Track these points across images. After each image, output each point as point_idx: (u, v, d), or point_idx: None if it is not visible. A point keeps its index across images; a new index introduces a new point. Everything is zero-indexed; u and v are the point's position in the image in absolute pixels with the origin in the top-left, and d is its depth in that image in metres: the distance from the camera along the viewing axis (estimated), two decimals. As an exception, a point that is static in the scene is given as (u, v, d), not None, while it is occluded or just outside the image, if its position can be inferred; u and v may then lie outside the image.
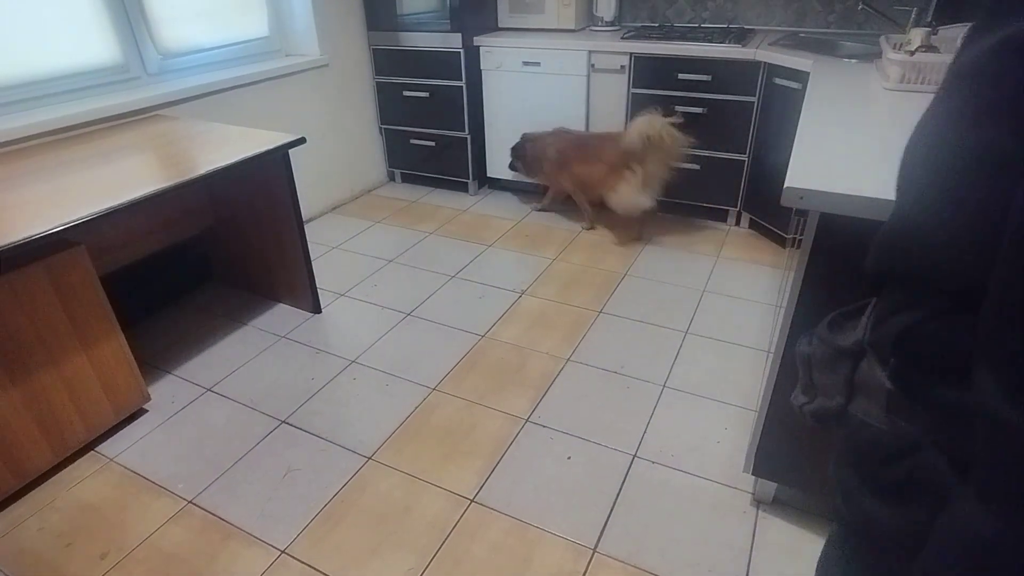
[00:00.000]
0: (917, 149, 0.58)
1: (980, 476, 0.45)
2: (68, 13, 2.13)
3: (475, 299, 2.45)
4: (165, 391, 1.97)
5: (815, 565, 1.39)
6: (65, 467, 1.68)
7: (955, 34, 1.74)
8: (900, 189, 0.60)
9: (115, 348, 1.72)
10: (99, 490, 1.62)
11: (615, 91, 2.91)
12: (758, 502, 1.54)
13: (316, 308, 2.37)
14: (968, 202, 0.49)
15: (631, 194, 2.70)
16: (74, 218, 1.44)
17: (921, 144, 0.57)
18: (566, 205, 3.22)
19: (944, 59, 1.68)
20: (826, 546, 0.77)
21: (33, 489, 1.62)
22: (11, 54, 2.01)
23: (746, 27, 3.03)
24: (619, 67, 2.85)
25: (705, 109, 2.76)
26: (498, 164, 3.34)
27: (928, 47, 1.81)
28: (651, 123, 2.55)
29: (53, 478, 1.65)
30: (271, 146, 1.95)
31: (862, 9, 2.72)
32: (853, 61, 2.25)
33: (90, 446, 1.74)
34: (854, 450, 0.63)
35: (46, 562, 1.43)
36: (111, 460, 1.71)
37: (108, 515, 1.55)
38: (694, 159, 2.90)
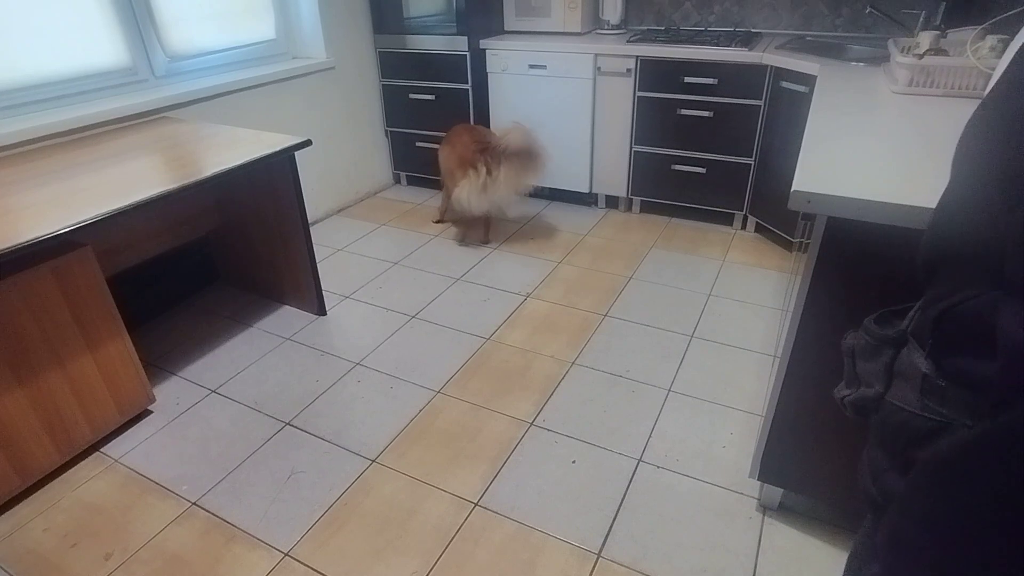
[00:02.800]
0: (967, 131, 0.62)
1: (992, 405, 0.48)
2: (77, 16, 2.15)
3: (480, 302, 2.45)
4: (170, 392, 1.97)
5: (821, 571, 1.38)
6: (70, 467, 1.69)
7: (964, 37, 1.73)
8: (952, 172, 0.64)
9: (120, 349, 1.73)
10: (104, 491, 1.62)
11: (621, 94, 2.91)
12: (764, 507, 1.53)
13: (321, 310, 2.38)
14: (1008, 177, 0.51)
15: (467, 194, 2.63)
16: (81, 219, 1.45)
17: (970, 125, 0.61)
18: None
19: (953, 62, 1.67)
20: (857, 538, 0.80)
21: (39, 489, 1.63)
22: (20, 57, 2.02)
23: (752, 31, 3.02)
24: (625, 70, 2.84)
25: (711, 113, 2.76)
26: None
27: (937, 50, 1.80)
28: (530, 134, 2.61)
29: (58, 478, 1.66)
30: (277, 148, 1.95)
31: (869, 12, 2.72)
32: (860, 65, 2.24)
33: (95, 447, 1.75)
34: (885, 433, 0.66)
35: (51, 562, 1.43)
36: (116, 461, 1.72)
37: (113, 516, 1.55)
38: (700, 163, 2.89)
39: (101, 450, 1.75)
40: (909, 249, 1.04)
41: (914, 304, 0.68)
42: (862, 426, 1.27)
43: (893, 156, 1.23)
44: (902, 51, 1.88)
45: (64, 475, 1.67)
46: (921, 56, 1.73)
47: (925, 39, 1.83)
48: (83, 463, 1.71)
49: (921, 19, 2.29)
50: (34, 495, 1.61)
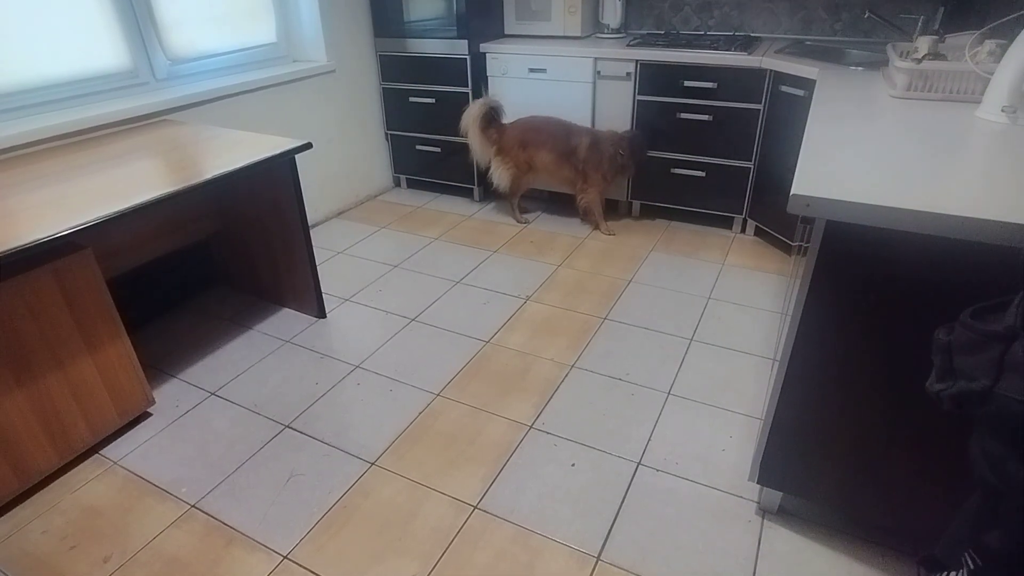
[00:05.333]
0: None
1: None
2: (78, 19, 2.15)
3: (480, 305, 2.45)
4: (169, 395, 1.97)
5: (820, 575, 1.38)
6: (69, 470, 1.69)
7: (962, 42, 1.74)
8: None
9: (120, 351, 1.73)
10: (103, 493, 1.62)
11: (621, 98, 2.92)
12: (763, 511, 1.53)
13: (321, 313, 2.38)
14: None
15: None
16: (82, 222, 1.45)
17: None
18: (563, 207, 3.22)
19: (951, 67, 1.68)
20: (966, 510, 0.85)
21: (37, 492, 1.62)
22: (22, 59, 2.03)
23: (752, 35, 3.03)
24: (625, 74, 2.85)
25: (711, 116, 2.76)
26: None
27: (935, 55, 1.81)
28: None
29: (57, 481, 1.66)
30: (278, 151, 1.96)
31: (868, 17, 2.72)
32: (859, 69, 2.25)
33: (94, 449, 1.75)
34: (1002, 425, 0.69)
35: (49, 565, 1.43)
36: (115, 463, 1.71)
37: (112, 518, 1.55)
38: (700, 166, 2.90)
39: (100, 452, 1.75)
40: (907, 252, 1.05)
41: (1004, 299, 0.70)
42: (864, 432, 1.27)
43: (892, 160, 1.23)
44: (901, 56, 1.88)
45: (63, 477, 1.67)
46: (919, 61, 1.74)
47: (923, 44, 1.84)
48: (82, 465, 1.71)
49: (919, 24, 2.30)
50: (33, 497, 1.61)
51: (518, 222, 3.19)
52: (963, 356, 0.73)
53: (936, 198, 1.03)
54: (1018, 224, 0.93)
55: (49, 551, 1.46)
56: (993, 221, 0.94)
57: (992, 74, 1.50)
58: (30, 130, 1.96)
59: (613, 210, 3.29)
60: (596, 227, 3.08)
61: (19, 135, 1.94)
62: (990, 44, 1.65)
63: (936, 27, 2.30)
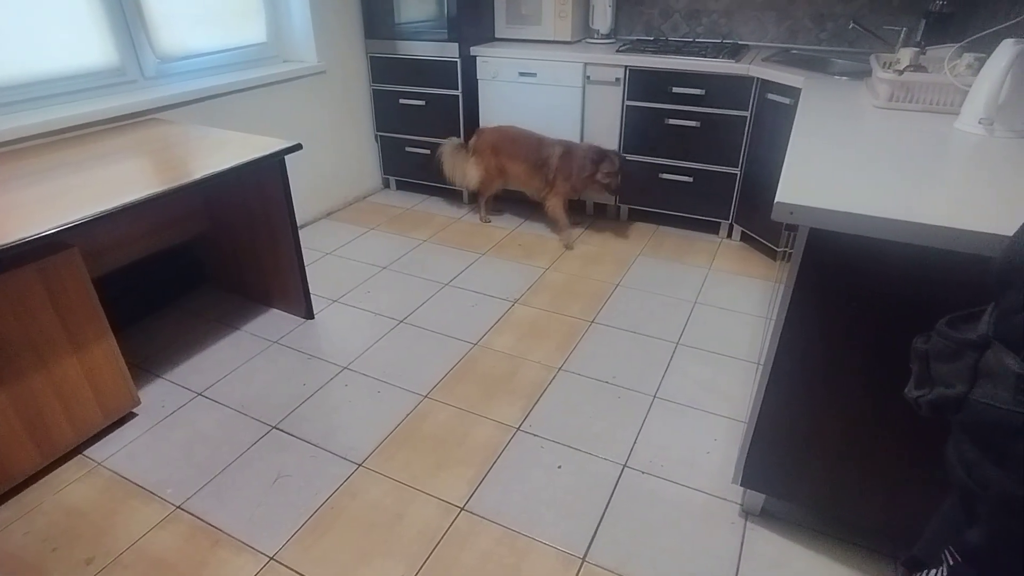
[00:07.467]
0: None
1: None
2: (66, 15, 2.14)
3: (468, 307, 2.46)
4: (155, 395, 1.96)
5: (802, 576, 1.40)
6: (52, 471, 1.67)
7: (942, 55, 1.78)
8: None
9: (106, 351, 1.72)
10: (86, 494, 1.61)
11: (610, 103, 2.94)
12: (746, 513, 1.55)
13: (309, 314, 2.37)
14: None
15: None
16: (68, 221, 1.44)
17: None
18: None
19: (932, 79, 1.72)
20: (944, 511, 0.88)
21: (19, 492, 1.61)
22: (8, 55, 2.01)
23: (739, 43, 3.07)
24: (614, 79, 2.88)
25: (698, 123, 2.80)
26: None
27: (917, 67, 1.85)
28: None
29: (40, 481, 1.64)
30: (267, 152, 1.95)
31: (853, 28, 2.78)
32: (844, 78, 2.29)
33: (78, 449, 1.73)
34: (976, 429, 0.71)
35: (31, 566, 1.42)
36: (99, 464, 1.70)
37: (95, 520, 1.53)
38: (687, 172, 2.93)
39: (84, 453, 1.73)
40: (888, 260, 1.07)
41: (978, 309, 0.73)
42: (846, 435, 1.29)
43: (874, 169, 1.26)
44: (883, 67, 1.92)
45: (46, 478, 1.65)
46: (901, 72, 1.78)
47: (905, 55, 1.88)
48: (65, 466, 1.69)
49: (902, 36, 2.34)
50: (15, 498, 1.59)
51: (482, 221, 3.25)
52: (940, 364, 0.75)
53: (915, 207, 1.06)
54: (990, 234, 0.96)
55: (31, 553, 1.45)
56: (968, 231, 0.97)
57: (970, 87, 1.54)
58: (16, 127, 1.94)
59: (602, 214, 3.32)
60: (560, 234, 3.11)
61: (5, 132, 1.92)
62: (968, 57, 1.70)
63: (918, 39, 2.35)
